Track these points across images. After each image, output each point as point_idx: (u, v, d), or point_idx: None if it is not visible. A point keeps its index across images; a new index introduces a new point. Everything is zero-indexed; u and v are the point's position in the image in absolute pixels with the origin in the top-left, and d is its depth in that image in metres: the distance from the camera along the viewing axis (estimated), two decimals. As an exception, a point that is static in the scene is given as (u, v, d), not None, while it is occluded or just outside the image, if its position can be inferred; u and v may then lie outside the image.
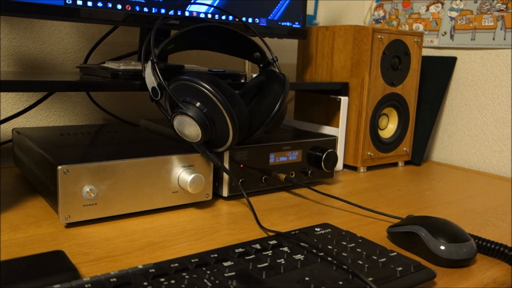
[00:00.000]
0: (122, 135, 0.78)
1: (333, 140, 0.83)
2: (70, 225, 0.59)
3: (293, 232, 0.55)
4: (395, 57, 0.95)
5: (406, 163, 1.06)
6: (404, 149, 1.02)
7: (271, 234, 0.58)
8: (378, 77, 0.93)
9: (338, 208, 0.71)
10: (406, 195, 0.80)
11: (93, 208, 0.59)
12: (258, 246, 0.50)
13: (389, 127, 1.00)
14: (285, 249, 0.50)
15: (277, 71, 0.75)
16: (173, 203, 0.65)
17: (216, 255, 0.47)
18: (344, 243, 0.52)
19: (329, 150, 0.80)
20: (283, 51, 1.27)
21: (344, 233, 0.55)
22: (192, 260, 0.45)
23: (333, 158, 0.81)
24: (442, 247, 0.52)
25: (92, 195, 0.58)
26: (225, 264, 0.45)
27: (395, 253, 0.50)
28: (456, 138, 1.09)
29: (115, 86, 0.67)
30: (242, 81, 0.81)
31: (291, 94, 1.19)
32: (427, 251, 0.53)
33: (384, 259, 0.48)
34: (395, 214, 0.69)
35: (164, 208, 0.66)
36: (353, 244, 0.51)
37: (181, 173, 0.65)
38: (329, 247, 0.50)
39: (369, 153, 0.95)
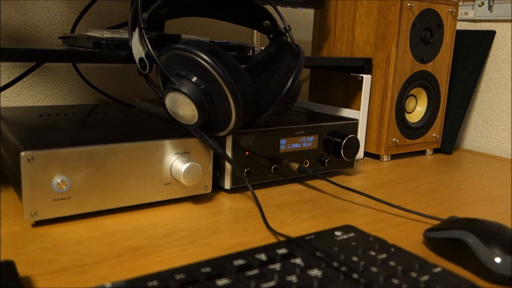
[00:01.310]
0: (111, 117, 0.68)
1: (354, 124, 0.72)
2: (38, 224, 0.49)
3: (307, 237, 0.44)
4: (426, 29, 0.83)
5: (435, 151, 0.94)
6: (434, 135, 0.90)
7: (281, 238, 0.47)
8: (407, 52, 0.81)
9: (360, 204, 0.60)
10: (438, 189, 0.68)
11: (65, 204, 0.49)
12: (263, 256, 0.39)
13: (417, 110, 0.88)
14: (298, 261, 0.39)
15: (290, 41, 0.63)
16: (165, 197, 0.55)
17: (208, 269, 0.36)
18: (373, 253, 0.41)
19: (350, 136, 0.69)
20: (296, 26, 1.15)
21: (371, 239, 0.44)
22: (177, 277, 0.35)
23: (355, 145, 0.70)
24: (498, 260, 0.41)
25: (64, 187, 0.48)
26: (220, 283, 0.35)
27: (439, 269, 0.39)
28: (492, 123, 0.97)
29: (97, 56, 0.56)
30: (250, 54, 0.70)
31: (305, 72, 1.07)
32: (477, 264, 0.42)
33: (427, 278, 0.37)
34: (429, 212, 0.58)
35: (154, 203, 0.56)
36: (385, 255, 0.40)
37: (174, 162, 0.55)
38: (354, 259, 0.39)
39: (394, 140, 0.84)
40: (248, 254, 0.40)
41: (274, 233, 0.48)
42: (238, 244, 0.46)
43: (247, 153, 0.61)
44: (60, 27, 0.86)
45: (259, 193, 0.62)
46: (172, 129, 0.60)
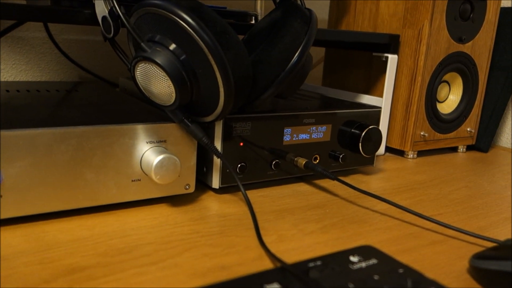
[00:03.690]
0: (84, 96, 0.56)
1: (376, 113, 0.59)
2: (-41, 228, 0.37)
3: (311, 264, 0.32)
4: (466, 2, 0.69)
5: (468, 148, 0.80)
6: (468, 129, 0.77)
7: (275, 264, 0.35)
8: (442, 29, 0.68)
9: (382, 213, 0.47)
10: (479, 196, 0.55)
11: (-6, 204, 0.37)
12: (245, 295, 0.27)
13: (449, 99, 0.75)
14: (295, 304, 0.27)
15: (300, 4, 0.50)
16: (132, 198, 0.43)
17: (159, 317, 0.24)
18: (404, 294, 0.28)
19: (371, 127, 0.56)
20: (311, 3, 1.01)
21: (401, 270, 0.31)
22: (108, 330, 0.23)
23: (376, 138, 0.57)
24: None
25: (-8, 182, 0.36)
26: None
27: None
28: (536, 117, 0.83)
29: (54, 14, 0.44)
30: (252, 22, 0.57)
31: (319, 53, 0.94)
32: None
33: None
34: (471, 227, 0.45)
35: (117, 206, 0.44)
36: (422, 299, 0.28)
37: (146, 153, 0.43)
38: (378, 304, 0.27)
39: (422, 133, 0.71)
40: (228, 287, 0.28)
41: (268, 253, 0.36)
42: (218, 268, 0.34)
43: (241, 144, 0.49)
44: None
45: (255, 194, 0.50)
46: (152, 113, 0.48)
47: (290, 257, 0.36)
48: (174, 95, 0.41)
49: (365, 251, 0.34)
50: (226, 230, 0.41)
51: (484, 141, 0.79)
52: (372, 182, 0.58)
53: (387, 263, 0.32)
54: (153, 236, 0.39)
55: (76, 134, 0.39)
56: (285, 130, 0.52)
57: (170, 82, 0.40)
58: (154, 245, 0.37)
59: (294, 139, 0.53)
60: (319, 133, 0.55)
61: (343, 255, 0.33)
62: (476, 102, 0.76)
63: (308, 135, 0.54)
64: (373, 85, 0.74)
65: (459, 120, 0.75)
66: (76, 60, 0.78)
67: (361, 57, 0.75)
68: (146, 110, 0.48)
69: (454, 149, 0.79)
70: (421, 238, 0.42)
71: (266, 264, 0.35)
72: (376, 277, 0.30)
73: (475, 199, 0.54)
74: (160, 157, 0.41)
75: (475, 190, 0.57)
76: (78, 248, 0.36)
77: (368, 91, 0.75)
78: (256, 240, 0.39)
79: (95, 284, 0.31)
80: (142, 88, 0.43)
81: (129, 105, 0.51)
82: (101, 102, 0.52)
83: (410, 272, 0.31)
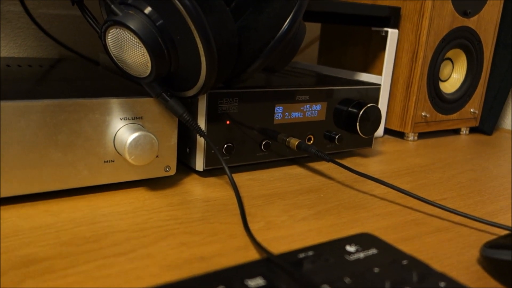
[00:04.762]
0: (56, 71, 0.51)
1: (375, 91, 0.55)
2: None
3: (301, 255, 0.28)
4: (473, -27, 0.65)
5: (471, 130, 0.76)
6: (472, 110, 0.73)
7: (262, 255, 0.31)
8: (446, 1, 0.63)
9: (382, 197, 0.43)
10: (484, 180, 0.51)
11: None
12: (222, 292, 0.23)
13: (452, 77, 0.71)
14: (281, 303, 0.23)
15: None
16: (105, 181, 0.39)
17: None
18: (409, 290, 0.24)
19: (370, 105, 0.52)
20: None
21: (405, 261, 0.27)
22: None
23: (375, 118, 0.53)
24: None
25: None
26: None
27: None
28: (542, 98, 0.79)
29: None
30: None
31: (315, 31, 0.90)
32: None
33: None
34: (478, 212, 0.41)
35: (88, 189, 0.40)
36: (429, 296, 0.24)
37: (120, 130, 0.38)
38: (378, 302, 0.23)
39: (423, 114, 0.66)
40: (203, 282, 0.23)
41: (254, 242, 0.32)
42: (196, 258, 0.30)
43: (227, 122, 0.44)
44: (10, -40, 0.69)
45: (243, 177, 0.46)
46: (130, 88, 0.43)
47: (279, 246, 0.32)
48: (149, 65, 0.36)
49: (364, 240, 0.30)
50: (208, 216, 0.37)
51: (488, 123, 0.75)
52: (370, 165, 0.54)
53: (388, 253, 0.28)
54: (125, 223, 0.34)
55: (38, 108, 0.35)
56: (276, 108, 0.47)
57: (145, 50, 0.36)
58: (125, 233, 0.33)
59: (286, 117, 0.48)
60: (313, 111, 0.50)
61: (339, 244, 0.29)
62: (481, 81, 0.72)
63: (302, 114, 0.49)
64: (371, 63, 0.69)
65: (463, 100, 0.71)
66: (55, 36, 0.73)
67: (359, 33, 0.71)
68: (123, 86, 0.43)
69: (456, 131, 0.75)
70: (425, 225, 0.38)
71: (251, 255, 0.31)
72: (376, 269, 0.26)
73: (482, 183, 0.50)
74: (135, 135, 0.37)
75: (481, 174, 0.53)
76: (38, 236, 0.31)
77: (366, 70, 0.70)
78: (241, 227, 0.35)
79: (52, 278, 0.27)
80: (114, 58, 0.38)
81: (105, 80, 0.46)
82: (75, 77, 0.47)
83: (415, 263, 0.27)
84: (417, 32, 0.63)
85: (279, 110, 0.47)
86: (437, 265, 0.31)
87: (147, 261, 0.29)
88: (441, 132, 0.74)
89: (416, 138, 0.68)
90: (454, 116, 0.71)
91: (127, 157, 0.37)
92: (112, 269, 0.28)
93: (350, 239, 0.30)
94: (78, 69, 0.53)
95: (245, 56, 0.40)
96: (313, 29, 0.91)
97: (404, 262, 0.27)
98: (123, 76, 0.48)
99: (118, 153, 0.39)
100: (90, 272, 0.28)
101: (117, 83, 0.45)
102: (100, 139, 0.38)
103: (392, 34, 0.63)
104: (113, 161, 0.39)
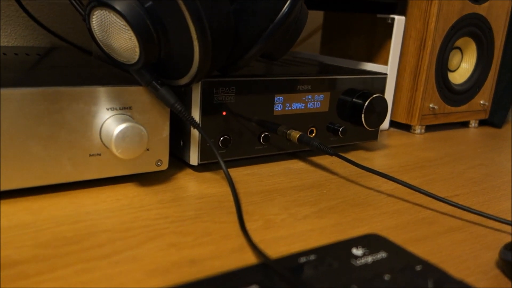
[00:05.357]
0: (43, 60, 0.48)
1: (381, 80, 0.52)
2: None
3: (302, 259, 0.25)
4: (484, -43, 0.61)
5: (480, 123, 0.73)
6: (481, 102, 0.70)
7: (259, 258, 0.28)
8: (456, -14, 0.60)
9: (389, 194, 0.40)
10: (498, 175, 0.48)
11: None
12: (211, 303, 0.20)
13: (462, 67, 0.67)
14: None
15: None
16: (92, 176, 0.36)
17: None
18: (425, 301, 0.21)
19: (375, 95, 0.49)
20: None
21: (419, 267, 0.24)
22: None
23: (381, 109, 0.50)
24: None
25: None
26: None
27: None
28: (555, 90, 0.75)
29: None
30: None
31: (317, 19, 0.86)
32: None
33: None
34: (493, 209, 0.39)
35: (75, 185, 0.37)
36: (448, 308, 0.21)
37: (106, 121, 0.35)
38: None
39: (431, 106, 0.63)
40: (185, 296, 0.21)
41: (250, 243, 0.29)
42: (186, 262, 0.27)
43: (224, 113, 0.41)
44: None
45: (241, 172, 0.43)
46: (120, 77, 0.40)
47: (278, 248, 0.30)
48: (138, 50, 0.33)
49: (371, 242, 0.27)
50: (202, 214, 0.34)
51: (498, 115, 0.72)
52: (376, 159, 0.51)
53: (399, 257, 0.25)
54: (111, 222, 0.32)
55: (16, 97, 0.32)
56: (276, 98, 0.44)
57: (132, 34, 0.33)
58: (110, 233, 0.30)
59: (286, 108, 0.45)
60: (315, 102, 0.47)
61: (344, 246, 0.26)
62: (491, 72, 0.69)
63: (303, 105, 0.46)
64: (376, 52, 0.66)
65: (472, 92, 0.68)
66: (47, 25, 0.70)
67: (363, 21, 0.68)
68: (113, 74, 0.40)
69: (465, 124, 0.72)
70: (437, 224, 0.35)
71: (247, 258, 0.28)
72: (386, 276, 0.23)
73: (495, 178, 0.47)
74: (122, 126, 0.34)
75: (493, 168, 0.50)
76: (15, 237, 0.29)
77: (371, 59, 0.67)
78: (237, 226, 0.32)
79: (25, 284, 0.24)
80: (100, 43, 0.35)
81: (95, 69, 0.43)
82: (62, 65, 0.44)
83: (430, 269, 0.24)
84: (425, 19, 0.60)
85: (279, 100, 0.44)
86: (452, 270, 0.28)
87: (132, 265, 0.27)
88: (448, 125, 0.71)
89: (423, 131, 0.65)
90: (463, 108, 0.68)
91: (114, 150, 0.34)
92: (92, 274, 0.25)
93: (356, 241, 0.27)
94: (67, 58, 0.50)
95: (242, 41, 0.37)
96: (315, 18, 0.88)
97: (418, 267, 0.24)
98: (114, 65, 0.45)
99: (105, 146, 0.36)
100: (68, 278, 0.25)
101: (107, 71, 0.42)
102: (85, 131, 0.35)
103: (399, 21, 0.60)
104: (100, 155, 0.36)
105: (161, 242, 0.29)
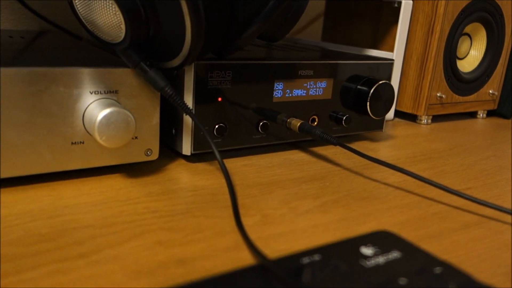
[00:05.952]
0: (25, 42, 0.45)
1: (387, 66, 0.49)
2: None
3: (305, 260, 0.22)
4: None
5: (488, 114, 0.70)
6: (490, 91, 0.66)
7: (255, 257, 0.25)
8: (467, -32, 0.56)
9: (397, 187, 0.37)
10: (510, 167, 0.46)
11: None
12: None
13: (471, 55, 0.64)
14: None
15: None
16: (74, 166, 0.33)
17: None
18: (448, 310, 0.18)
19: (381, 82, 0.45)
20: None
21: (439, 270, 0.21)
22: None
23: (388, 97, 0.47)
24: None
25: None
26: None
27: None
28: None
29: None
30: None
31: (319, 6, 0.83)
32: None
33: None
34: (509, 205, 0.36)
35: (55, 176, 0.34)
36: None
37: (89, 106, 0.32)
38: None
39: (438, 95, 0.60)
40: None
41: (246, 241, 0.26)
42: (174, 262, 0.24)
43: (219, 99, 0.38)
44: None
45: (238, 163, 0.40)
46: (106, 59, 0.37)
47: (277, 246, 0.27)
48: (123, 27, 0.30)
49: (382, 239, 0.24)
50: (194, 208, 0.31)
51: (507, 106, 0.69)
52: (382, 149, 0.48)
53: (414, 257, 0.22)
54: (93, 216, 0.29)
55: (-13, 78, 0.29)
56: (275, 84, 0.41)
57: (117, 8, 0.29)
58: (91, 229, 0.27)
59: (286, 95, 0.42)
60: (318, 89, 0.44)
61: (352, 245, 0.23)
62: (501, 60, 0.66)
63: (305, 91, 0.43)
64: (381, 39, 0.63)
65: (481, 80, 0.65)
66: (36, 9, 0.67)
67: (367, 5, 0.64)
68: (99, 57, 0.37)
69: (472, 115, 0.69)
70: (451, 220, 0.32)
71: (243, 257, 0.25)
72: (402, 280, 0.20)
73: (508, 170, 0.44)
74: (106, 111, 0.31)
75: (506, 160, 0.47)
76: (-17, 233, 0.26)
77: (375, 46, 0.64)
78: (232, 222, 0.29)
79: (-13, 288, 0.21)
80: (83, 20, 0.32)
81: (81, 52, 0.40)
82: (45, 47, 0.41)
83: (450, 271, 0.21)
84: (434, 3, 0.57)
85: (279, 86, 0.41)
86: (472, 271, 0.25)
87: (112, 265, 0.24)
88: (455, 116, 0.68)
89: (429, 121, 0.62)
90: (471, 97, 0.65)
91: (98, 137, 0.31)
92: (66, 276, 0.22)
93: (365, 239, 0.24)
94: (53, 41, 0.47)
95: (239, 20, 0.34)
96: (316, 6, 0.85)
97: (437, 269, 0.21)
98: (104, 49, 0.42)
99: (88, 133, 0.33)
100: (38, 281, 0.22)
101: (95, 55, 0.38)
102: (66, 117, 0.32)
103: (406, 5, 0.57)
104: (83, 143, 0.33)
105: (146, 239, 0.26)
